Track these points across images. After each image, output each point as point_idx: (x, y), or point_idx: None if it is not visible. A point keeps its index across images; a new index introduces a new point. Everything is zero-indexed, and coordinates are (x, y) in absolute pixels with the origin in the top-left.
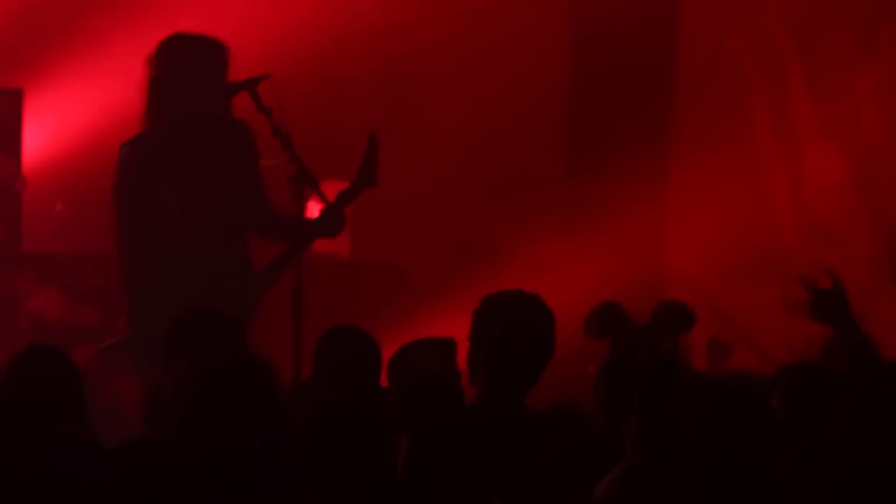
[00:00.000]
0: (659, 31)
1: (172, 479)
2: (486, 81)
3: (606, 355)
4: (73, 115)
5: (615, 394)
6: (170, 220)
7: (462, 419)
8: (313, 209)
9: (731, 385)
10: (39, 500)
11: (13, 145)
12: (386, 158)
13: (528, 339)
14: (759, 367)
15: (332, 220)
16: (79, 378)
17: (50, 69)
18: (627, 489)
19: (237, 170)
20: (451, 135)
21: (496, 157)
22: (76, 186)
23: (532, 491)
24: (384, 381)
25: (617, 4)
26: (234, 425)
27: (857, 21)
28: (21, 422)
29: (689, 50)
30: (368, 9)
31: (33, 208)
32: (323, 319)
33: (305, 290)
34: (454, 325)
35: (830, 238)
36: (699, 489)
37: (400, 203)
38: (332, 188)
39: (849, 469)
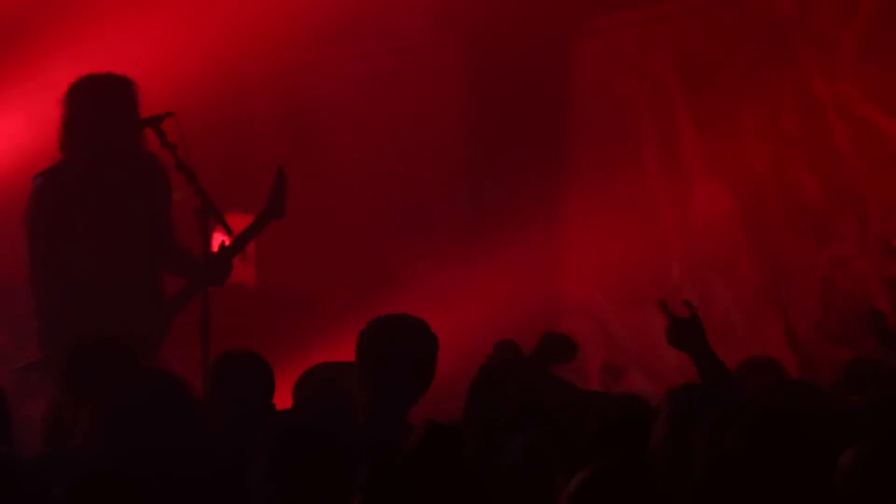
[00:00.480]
0: (553, 71)
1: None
2: (386, 117)
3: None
4: None
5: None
6: (82, 250)
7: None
8: (217, 240)
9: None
10: None
11: None
12: (290, 191)
13: (406, 362)
14: (651, 390)
15: (219, 267)
16: (3, 399)
17: None
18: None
19: (149, 201)
20: (352, 169)
21: (397, 191)
22: None
23: None
24: (286, 402)
25: (511, 45)
26: (154, 436)
27: (741, 64)
28: None
29: (582, 90)
30: (270, 50)
31: None
32: (229, 346)
33: (212, 318)
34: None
35: (718, 268)
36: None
37: (304, 234)
38: (236, 220)
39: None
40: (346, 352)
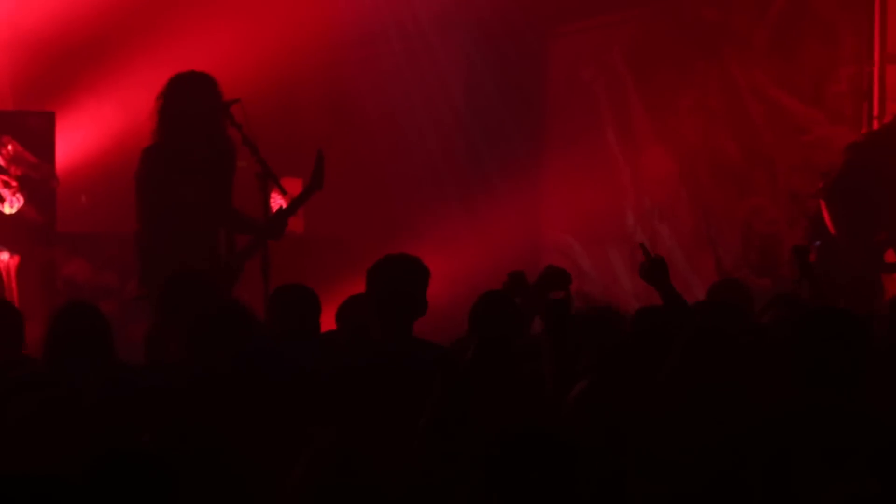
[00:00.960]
0: (533, 63)
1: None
2: (405, 100)
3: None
4: (93, 130)
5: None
6: (177, 207)
7: (365, 353)
8: (275, 199)
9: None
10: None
11: (48, 154)
12: (331, 160)
13: (403, 290)
14: None
15: (276, 227)
16: (108, 324)
17: (75, 96)
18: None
19: (221, 176)
20: (378, 141)
21: (413, 158)
22: (97, 183)
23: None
24: (331, 324)
25: (501, 44)
26: (228, 345)
27: (678, 57)
28: (67, 356)
29: (555, 78)
30: (314, 49)
31: (65, 200)
32: (286, 281)
33: (271, 260)
34: None
35: (663, 215)
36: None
37: (341, 192)
38: (288, 183)
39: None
40: None
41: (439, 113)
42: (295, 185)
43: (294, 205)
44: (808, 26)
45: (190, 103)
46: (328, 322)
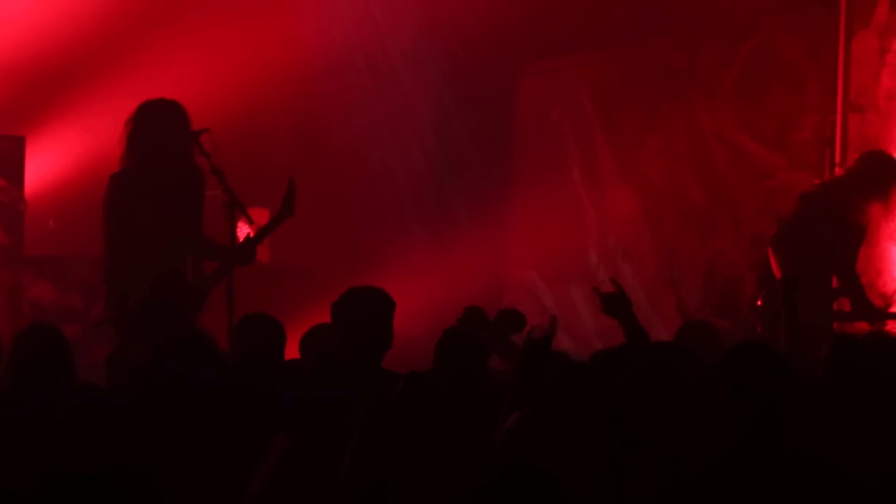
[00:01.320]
0: (501, 102)
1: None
2: (373, 133)
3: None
4: (62, 155)
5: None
6: (144, 233)
7: (334, 383)
8: (242, 228)
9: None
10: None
11: (17, 178)
12: (299, 189)
13: (371, 322)
14: (574, 349)
15: (245, 253)
16: (69, 347)
17: (45, 121)
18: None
19: (190, 203)
20: (346, 172)
21: (380, 189)
22: (64, 207)
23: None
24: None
25: (469, 81)
26: (191, 370)
27: (644, 100)
28: (26, 377)
29: (523, 117)
30: (284, 80)
31: (32, 223)
32: (248, 311)
33: (235, 288)
34: None
35: (627, 255)
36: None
37: (307, 222)
38: (256, 213)
39: None
40: None
41: (407, 146)
42: (262, 215)
43: (264, 231)
44: (773, 73)
45: (158, 130)
46: (292, 351)
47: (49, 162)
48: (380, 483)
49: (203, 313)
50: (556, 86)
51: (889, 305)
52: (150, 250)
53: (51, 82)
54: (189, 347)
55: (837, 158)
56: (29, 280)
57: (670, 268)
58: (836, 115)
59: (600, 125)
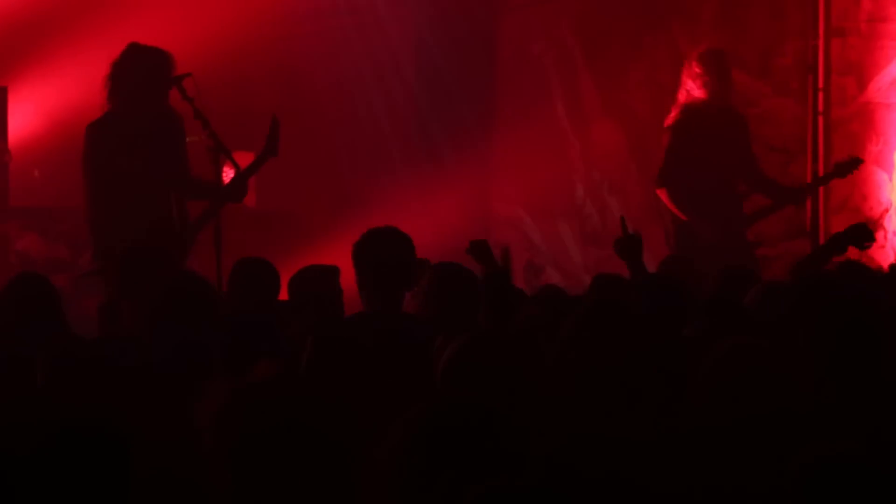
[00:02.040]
0: (483, 37)
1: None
2: (355, 73)
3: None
4: (45, 105)
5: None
6: (124, 180)
7: (359, 322)
8: (227, 173)
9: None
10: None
11: (1, 129)
12: (282, 133)
13: (397, 263)
14: (564, 283)
15: (237, 189)
16: (58, 294)
17: (27, 70)
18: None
19: (171, 145)
20: (329, 113)
21: (364, 129)
22: (50, 158)
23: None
24: (283, 296)
25: (450, 18)
26: (188, 323)
27: (627, 31)
28: (19, 324)
29: (505, 52)
30: (267, 22)
31: (18, 174)
32: (236, 255)
33: (223, 233)
34: (337, 257)
35: (613, 188)
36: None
37: (292, 164)
38: (241, 157)
39: None
40: (327, 256)
41: (389, 86)
42: (246, 159)
43: (249, 170)
44: (754, 1)
45: (136, 76)
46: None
47: (32, 112)
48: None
49: (190, 258)
50: (538, 20)
51: (875, 230)
52: (131, 197)
53: (31, 31)
54: (187, 294)
55: (820, 83)
56: (16, 232)
57: (656, 200)
58: (818, 39)
59: (583, 58)
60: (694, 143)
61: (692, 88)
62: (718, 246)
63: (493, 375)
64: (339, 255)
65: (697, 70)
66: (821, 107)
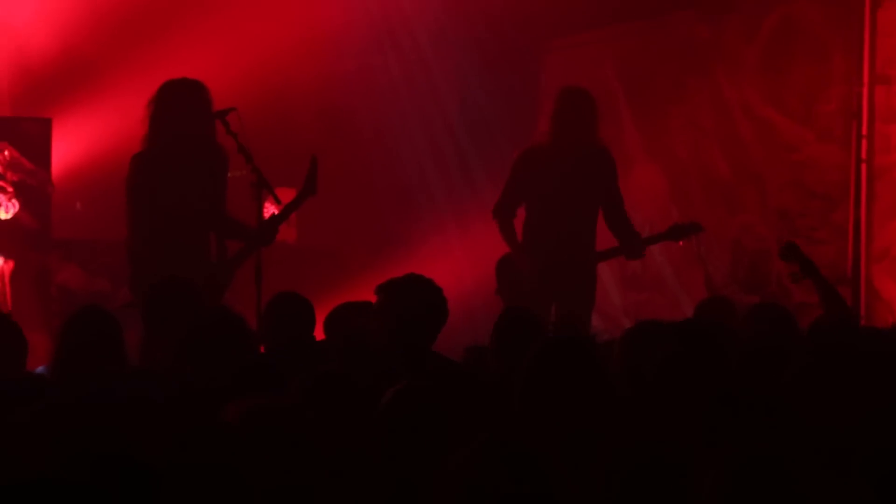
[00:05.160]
0: (526, 79)
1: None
2: (398, 112)
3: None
4: (89, 137)
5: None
6: (166, 213)
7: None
8: (269, 208)
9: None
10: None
11: (45, 160)
12: (324, 170)
13: (425, 316)
14: (604, 327)
15: (267, 233)
16: (121, 329)
17: (71, 103)
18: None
19: (212, 180)
20: (372, 152)
21: (406, 170)
22: (91, 190)
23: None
24: (320, 333)
25: (494, 59)
26: (225, 354)
27: (669, 74)
28: (81, 357)
29: (548, 94)
30: (309, 61)
31: (60, 206)
32: (276, 291)
33: (263, 269)
34: (374, 295)
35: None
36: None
37: (334, 202)
38: (282, 192)
39: None
40: (365, 293)
41: (432, 126)
42: (288, 195)
43: (287, 210)
44: (798, 46)
45: (179, 109)
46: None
47: (76, 144)
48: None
49: (231, 294)
50: (581, 62)
51: None
52: (171, 232)
53: (76, 65)
54: (218, 330)
55: (864, 130)
56: (57, 264)
57: (697, 243)
58: (863, 86)
59: (625, 100)
60: (531, 179)
61: (544, 125)
62: (539, 278)
63: None
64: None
65: (551, 108)
66: (864, 154)
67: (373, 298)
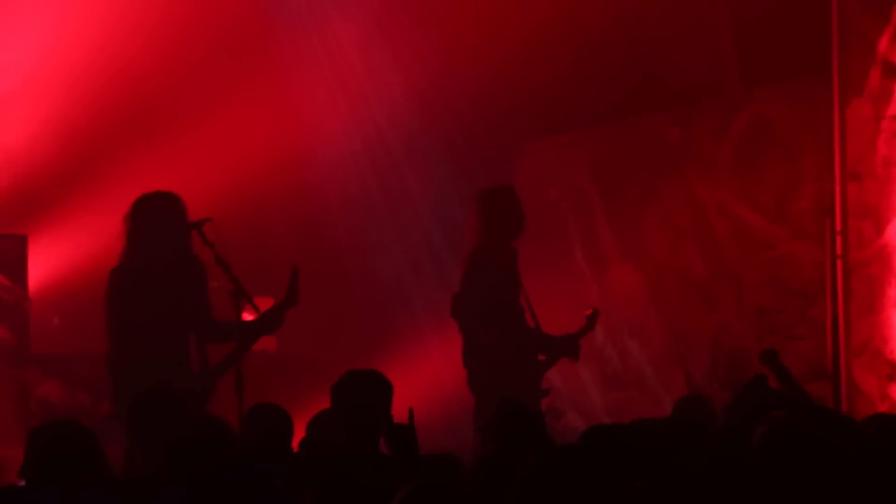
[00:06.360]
0: (500, 181)
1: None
2: (373, 222)
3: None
4: (65, 253)
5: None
6: (146, 325)
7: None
8: (248, 316)
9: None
10: None
11: (21, 276)
12: (302, 278)
13: (364, 406)
14: (584, 426)
15: (273, 320)
16: (98, 441)
17: (47, 219)
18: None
19: (192, 291)
20: (348, 261)
21: (382, 278)
22: (69, 304)
23: None
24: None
25: (467, 162)
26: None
27: (642, 176)
28: (59, 471)
29: (521, 195)
30: (284, 171)
31: (38, 321)
32: (258, 399)
33: (244, 377)
34: None
35: (633, 331)
36: None
37: (313, 311)
38: (261, 302)
39: None
40: None
41: (408, 231)
42: (266, 304)
43: (267, 317)
44: (769, 145)
45: (155, 222)
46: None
47: (52, 260)
48: None
49: (212, 403)
50: (554, 164)
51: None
52: (152, 344)
53: (51, 180)
54: (204, 438)
55: (838, 227)
56: (36, 379)
57: (676, 342)
58: (835, 183)
59: (600, 202)
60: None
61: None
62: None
63: None
64: None
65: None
66: (839, 250)
67: None
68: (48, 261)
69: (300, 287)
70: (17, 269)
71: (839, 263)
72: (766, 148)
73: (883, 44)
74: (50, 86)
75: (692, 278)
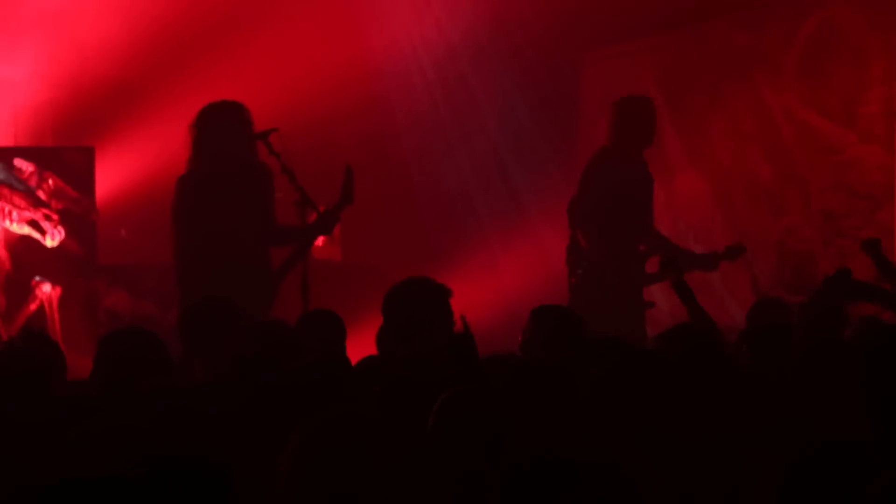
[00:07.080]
0: (566, 91)
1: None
2: (439, 131)
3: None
4: (131, 164)
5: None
6: (213, 233)
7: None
8: None
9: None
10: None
11: (88, 188)
12: (368, 188)
13: (418, 311)
14: (650, 332)
15: (327, 222)
16: (166, 349)
17: (113, 130)
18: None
19: (259, 198)
20: (414, 172)
21: (449, 187)
22: (136, 216)
23: None
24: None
25: (534, 73)
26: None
27: (707, 82)
28: (128, 378)
29: (587, 105)
30: (351, 83)
31: (105, 232)
32: (324, 307)
33: (310, 285)
34: None
35: (698, 237)
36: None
37: (378, 221)
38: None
39: None
40: None
41: (473, 141)
42: None
43: (323, 217)
44: (837, 49)
45: (221, 130)
46: (370, 347)
47: (119, 171)
48: None
49: (278, 309)
50: (620, 72)
51: None
52: (220, 251)
53: (118, 92)
54: (271, 343)
55: None
56: (103, 289)
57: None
58: None
59: (666, 109)
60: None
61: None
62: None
63: None
64: None
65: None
66: None
67: None
68: (115, 173)
69: (363, 195)
70: (85, 181)
71: None
72: (833, 52)
73: None
74: None
75: (758, 183)
